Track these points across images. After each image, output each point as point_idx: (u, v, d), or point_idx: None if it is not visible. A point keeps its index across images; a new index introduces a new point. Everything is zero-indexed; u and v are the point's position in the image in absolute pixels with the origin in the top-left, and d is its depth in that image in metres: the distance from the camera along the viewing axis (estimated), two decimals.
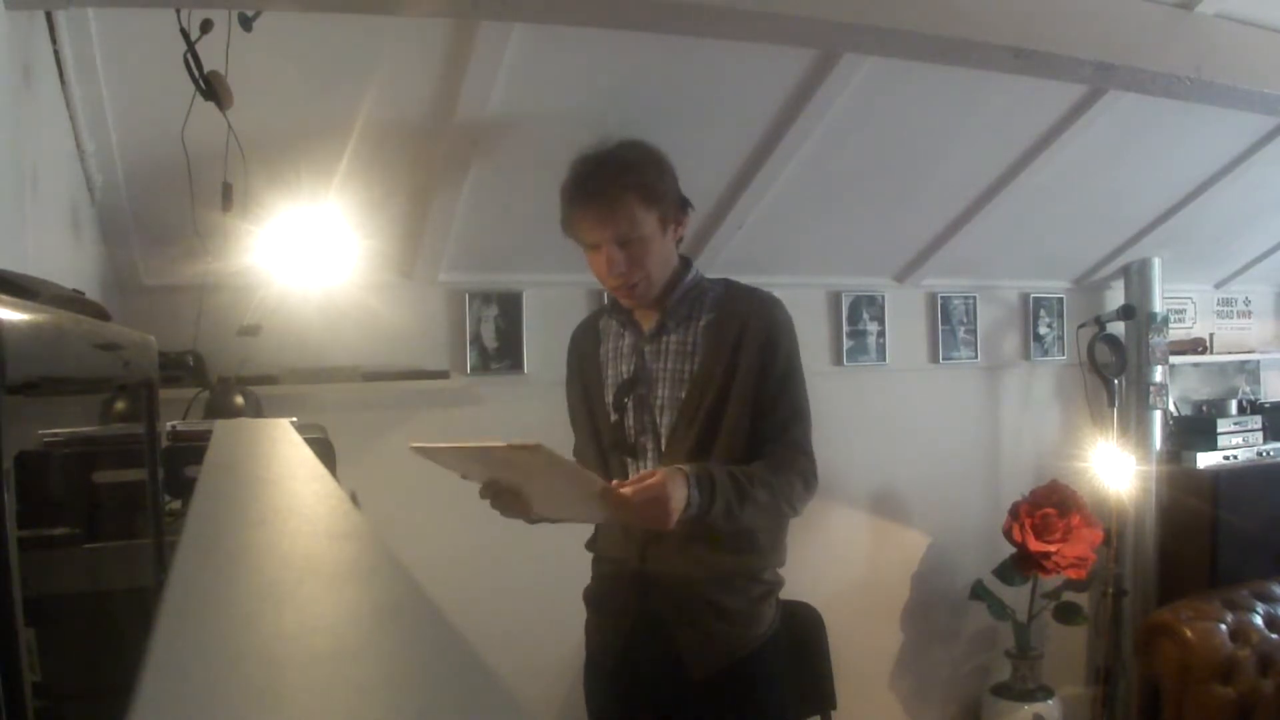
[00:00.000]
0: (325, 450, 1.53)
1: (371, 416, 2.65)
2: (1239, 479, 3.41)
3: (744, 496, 1.51)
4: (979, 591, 3.30)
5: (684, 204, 1.69)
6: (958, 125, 2.62)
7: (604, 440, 1.71)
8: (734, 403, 1.60)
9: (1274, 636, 2.92)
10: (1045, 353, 3.64)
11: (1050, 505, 3.15)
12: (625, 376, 1.70)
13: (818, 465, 1.64)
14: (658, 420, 1.65)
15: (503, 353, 2.80)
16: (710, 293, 1.70)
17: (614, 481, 1.49)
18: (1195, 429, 3.57)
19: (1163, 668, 2.85)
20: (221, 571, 0.35)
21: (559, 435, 1.87)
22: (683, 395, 1.63)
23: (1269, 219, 3.59)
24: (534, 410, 2.44)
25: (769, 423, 1.61)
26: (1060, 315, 3.66)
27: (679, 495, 1.44)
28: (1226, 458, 3.49)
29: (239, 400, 2.19)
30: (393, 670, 0.25)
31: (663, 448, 1.64)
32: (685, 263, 1.74)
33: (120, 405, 1.80)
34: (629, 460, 1.67)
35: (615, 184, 1.59)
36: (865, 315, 3.31)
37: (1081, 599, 3.41)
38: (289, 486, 0.58)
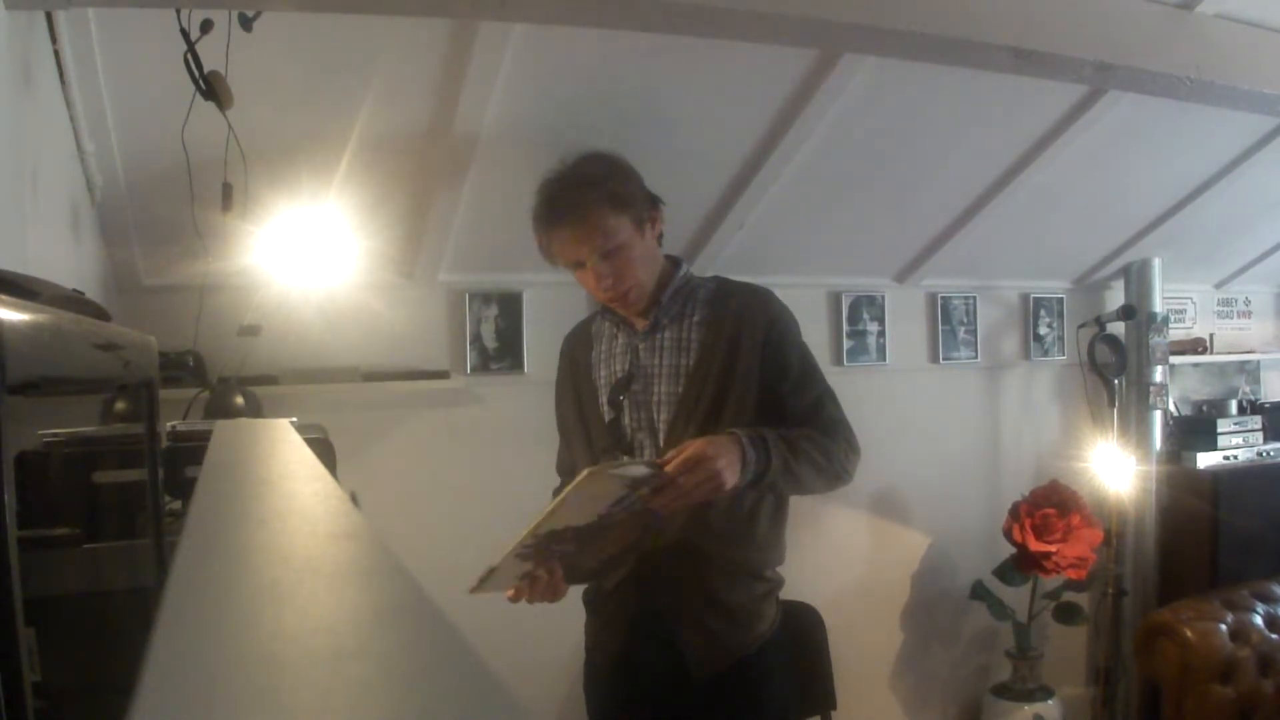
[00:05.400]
0: (325, 450, 1.52)
1: (371, 416, 2.65)
2: (1239, 479, 3.41)
3: (797, 451, 1.52)
4: (979, 591, 3.30)
5: (653, 201, 1.70)
6: (958, 125, 2.62)
7: (596, 444, 1.70)
8: (733, 398, 1.60)
9: (1274, 636, 2.92)
10: (1045, 353, 3.64)
11: (1050, 505, 3.15)
12: (620, 375, 1.70)
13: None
14: (655, 416, 1.66)
15: (503, 353, 2.80)
16: (702, 289, 1.71)
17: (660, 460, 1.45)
18: (1195, 429, 3.57)
19: (1163, 668, 2.85)
20: (221, 571, 0.35)
21: (557, 434, 1.88)
22: (680, 390, 1.64)
23: (1269, 219, 3.59)
24: (534, 410, 2.44)
25: (802, 411, 1.61)
26: (1060, 315, 3.66)
27: (727, 454, 1.43)
28: (1226, 458, 3.49)
29: (239, 400, 2.19)
30: (393, 670, 0.25)
31: (661, 443, 1.64)
32: (675, 262, 1.74)
33: (120, 405, 1.80)
34: (625, 459, 1.67)
35: (583, 199, 1.60)
36: (865, 315, 3.31)
37: (1081, 599, 3.41)
38: (289, 486, 0.58)
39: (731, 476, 1.42)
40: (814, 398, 1.63)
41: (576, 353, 1.81)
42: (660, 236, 1.72)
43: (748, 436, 1.47)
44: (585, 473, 1.29)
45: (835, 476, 1.60)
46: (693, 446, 1.43)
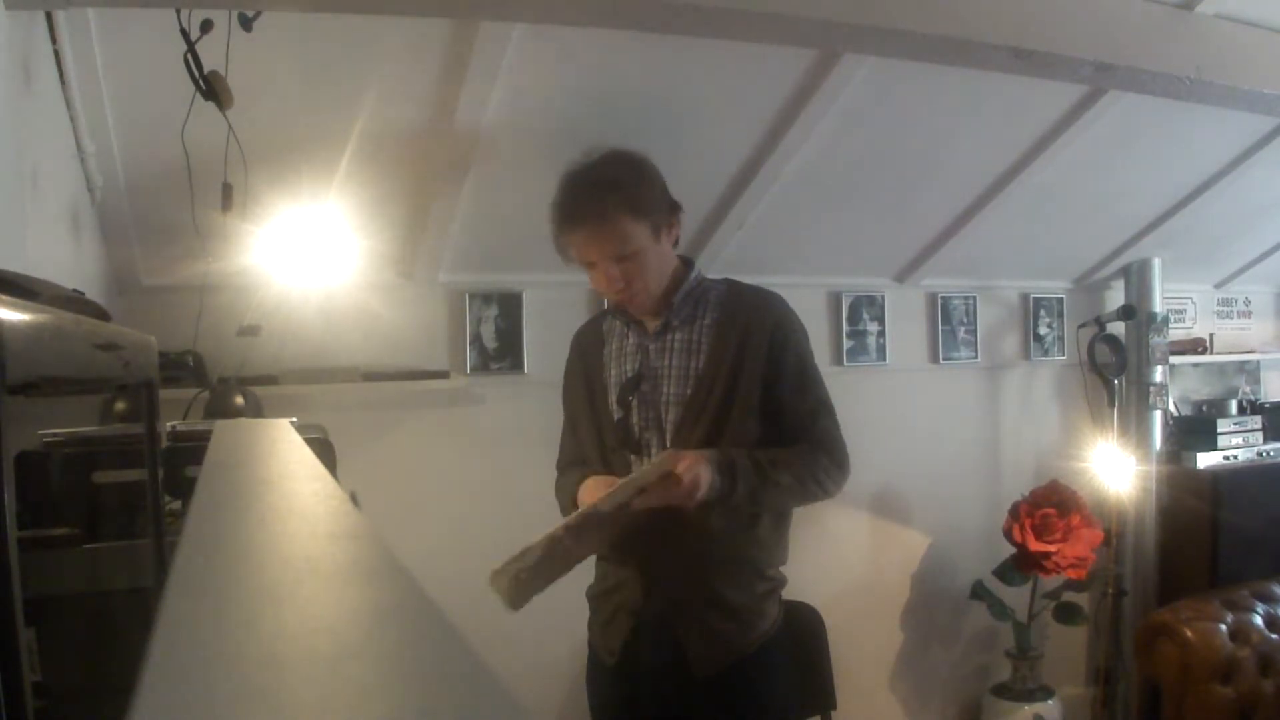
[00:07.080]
0: (325, 450, 1.53)
1: (371, 416, 2.65)
2: (1239, 479, 3.41)
3: (765, 479, 1.55)
4: (979, 591, 3.30)
5: (673, 206, 1.70)
6: (958, 125, 2.62)
7: (606, 440, 1.71)
8: (739, 401, 1.61)
9: (1274, 636, 2.92)
10: (1045, 353, 3.64)
11: (1050, 505, 3.15)
12: (630, 374, 1.70)
13: (847, 449, 1.67)
14: (663, 416, 1.66)
15: (503, 353, 2.80)
16: (714, 291, 1.71)
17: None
18: (1195, 429, 3.57)
19: (1163, 668, 2.85)
20: (221, 571, 0.35)
21: (558, 434, 1.88)
22: (688, 392, 1.64)
23: (1269, 219, 3.59)
24: (534, 410, 2.45)
25: (795, 418, 1.63)
26: (1060, 315, 3.66)
27: (705, 473, 1.50)
28: (1226, 458, 3.48)
29: (239, 400, 2.19)
30: (393, 670, 0.25)
31: (668, 444, 1.64)
32: (687, 263, 1.74)
33: (120, 405, 1.80)
34: (633, 457, 1.68)
35: (603, 204, 1.60)
36: (865, 315, 3.31)
37: (1081, 599, 3.41)
38: (289, 486, 0.58)
39: (702, 489, 1.51)
40: (809, 408, 1.64)
41: (587, 349, 1.81)
42: (676, 240, 1.73)
43: (716, 464, 1.52)
44: (667, 452, 1.47)
45: (811, 496, 1.63)
46: (666, 458, 1.51)
